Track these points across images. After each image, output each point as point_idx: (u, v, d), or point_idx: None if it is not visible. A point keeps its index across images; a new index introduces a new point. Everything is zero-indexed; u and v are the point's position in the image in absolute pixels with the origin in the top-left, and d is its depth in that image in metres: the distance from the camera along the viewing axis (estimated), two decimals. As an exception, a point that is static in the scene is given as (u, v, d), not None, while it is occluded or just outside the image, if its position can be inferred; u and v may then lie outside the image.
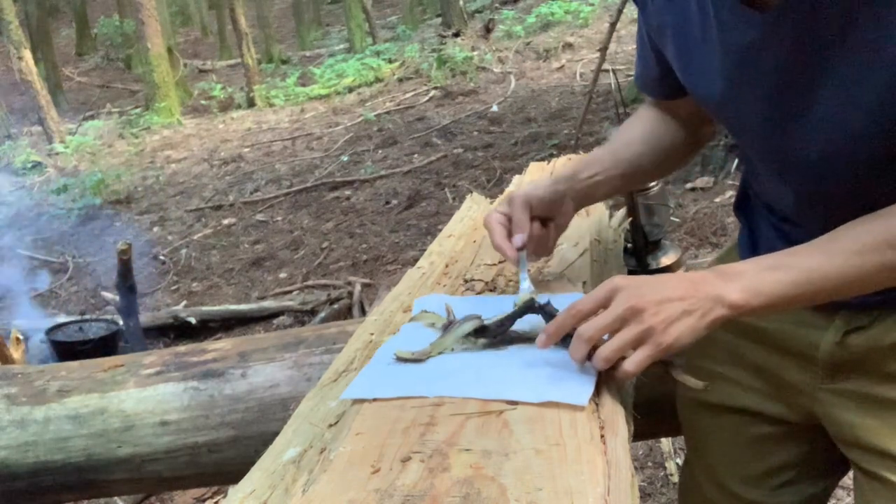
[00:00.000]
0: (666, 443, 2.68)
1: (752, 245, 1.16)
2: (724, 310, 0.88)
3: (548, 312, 1.03)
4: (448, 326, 1.07)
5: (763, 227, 1.14)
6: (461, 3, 13.09)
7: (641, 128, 1.25)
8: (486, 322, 1.05)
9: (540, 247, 1.21)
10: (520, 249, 1.15)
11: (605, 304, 0.90)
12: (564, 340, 0.99)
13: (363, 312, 4.52)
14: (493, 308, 1.18)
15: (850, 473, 1.14)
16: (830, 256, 0.88)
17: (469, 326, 1.05)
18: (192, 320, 4.77)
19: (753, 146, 1.04)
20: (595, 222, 1.59)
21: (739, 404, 1.18)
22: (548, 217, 1.20)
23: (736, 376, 1.19)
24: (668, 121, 1.25)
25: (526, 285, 1.13)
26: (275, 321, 4.75)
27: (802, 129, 0.93)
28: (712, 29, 0.96)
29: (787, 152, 0.97)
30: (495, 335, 1.05)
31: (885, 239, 0.86)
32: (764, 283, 0.88)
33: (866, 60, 0.84)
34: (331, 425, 0.95)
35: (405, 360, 1.02)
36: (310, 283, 5.24)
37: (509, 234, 1.16)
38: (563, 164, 1.99)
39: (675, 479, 2.50)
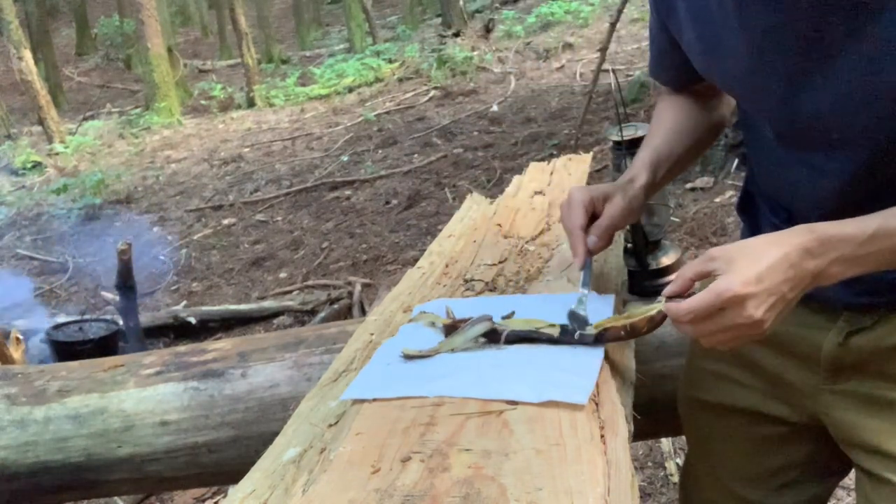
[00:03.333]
0: (666, 443, 2.68)
1: None
2: (820, 282, 0.90)
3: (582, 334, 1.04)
4: (453, 326, 1.07)
5: (765, 229, 1.14)
6: (461, 3, 13.08)
7: (672, 118, 1.26)
8: (496, 325, 1.06)
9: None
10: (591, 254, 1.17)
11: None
12: (577, 338, 1.02)
13: (363, 312, 4.52)
14: (494, 309, 1.18)
15: (852, 474, 1.14)
16: None
17: (480, 328, 1.06)
18: (192, 320, 4.77)
19: (773, 125, 1.03)
20: (595, 222, 1.59)
21: (741, 404, 1.18)
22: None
23: (738, 376, 1.18)
24: (691, 106, 1.26)
25: (584, 289, 1.14)
26: (275, 321, 4.74)
27: (823, 104, 0.93)
28: (730, 11, 0.96)
29: (808, 128, 0.97)
30: (508, 339, 1.05)
31: None
32: (858, 256, 0.89)
33: (887, 36, 0.85)
34: (331, 425, 0.95)
35: (413, 357, 1.03)
36: (310, 283, 5.24)
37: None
38: (564, 164, 1.99)
39: (675, 479, 2.50)
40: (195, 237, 6.52)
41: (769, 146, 1.08)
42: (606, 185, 1.19)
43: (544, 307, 1.18)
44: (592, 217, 1.16)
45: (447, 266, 1.45)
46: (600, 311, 1.14)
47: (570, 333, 1.04)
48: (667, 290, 0.95)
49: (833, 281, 0.90)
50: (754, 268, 0.85)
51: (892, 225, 0.87)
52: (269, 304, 4.95)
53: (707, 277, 0.92)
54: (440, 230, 1.73)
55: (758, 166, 1.16)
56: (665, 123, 1.25)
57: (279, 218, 6.58)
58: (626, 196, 1.16)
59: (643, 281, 1.68)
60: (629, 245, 1.66)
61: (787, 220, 1.08)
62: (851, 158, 0.94)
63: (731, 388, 1.19)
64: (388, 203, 6.36)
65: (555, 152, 5.96)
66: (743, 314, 0.86)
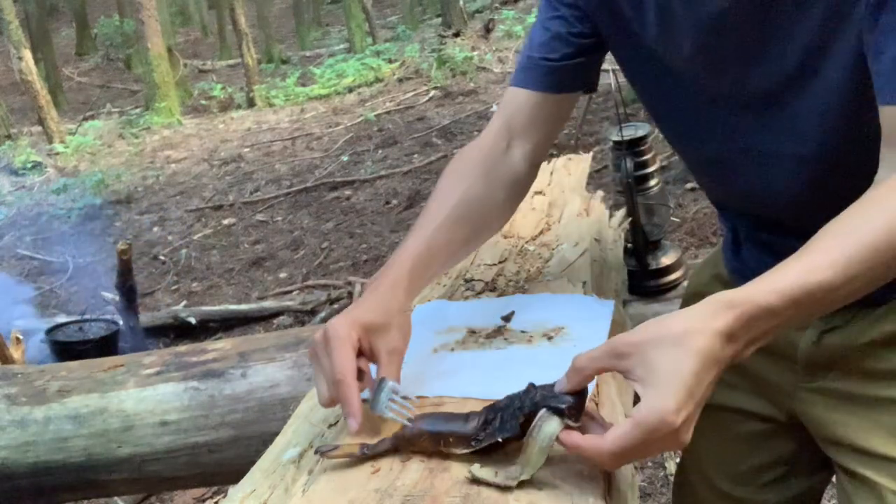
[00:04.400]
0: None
1: (735, 248, 1.16)
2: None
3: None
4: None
5: (742, 232, 1.14)
6: (461, 3, 13.08)
7: (459, 193, 1.08)
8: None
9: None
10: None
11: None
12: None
13: (363, 312, 4.51)
14: (494, 309, 1.18)
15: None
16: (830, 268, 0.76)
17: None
18: (192, 320, 4.76)
19: (725, 105, 1.01)
20: (595, 222, 1.59)
21: (725, 402, 1.18)
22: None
23: (724, 376, 1.19)
24: (489, 169, 1.12)
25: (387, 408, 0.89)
26: (275, 321, 4.74)
27: (773, 83, 0.92)
28: (675, 5, 0.95)
29: (761, 104, 0.96)
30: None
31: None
32: (779, 325, 0.77)
33: (832, 27, 0.84)
34: (331, 425, 0.95)
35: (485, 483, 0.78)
36: (310, 283, 5.24)
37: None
38: (564, 164, 1.99)
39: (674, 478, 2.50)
40: (195, 237, 6.52)
41: (713, 158, 1.08)
42: (365, 309, 0.94)
43: (544, 307, 1.18)
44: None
45: (447, 266, 1.45)
46: (599, 315, 1.14)
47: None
48: (560, 386, 0.78)
49: (744, 359, 0.78)
50: (681, 381, 0.71)
51: (812, 281, 0.74)
52: (269, 304, 4.95)
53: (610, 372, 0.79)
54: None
55: (709, 183, 1.15)
56: (447, 202, 1.07)
57: (279, 218, 6.58)
58: (398, 323, 0.95)
59: (643, 281, 1.69)
60: (629, 245, 1.66)
61: (756, 227, 1.09)
62: (803, 138, 0.94)
63: (718, 388, 1.19)
64: (388, 203, 6.36)
65: (554, 152, 5.96)
66: (676, 441, 0.73)
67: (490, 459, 0.79)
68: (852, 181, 0.85)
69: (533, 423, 0.77)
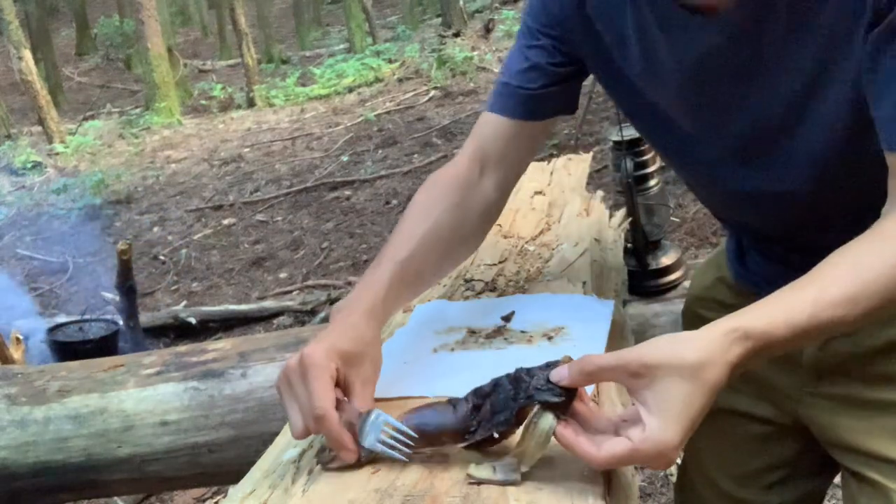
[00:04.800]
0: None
1: (739, 255, 1.16)
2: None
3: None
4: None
5: (746, 241, 1.14)
6: (461, 3, 13.08)
7: (429, 220, 1.06)
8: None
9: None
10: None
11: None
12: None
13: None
14: (494, 310, 1.18)
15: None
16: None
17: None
18: (192, 320, 4.76)
19: (713, 147, 1.01)
20: (595, 222, 1.59)
21: (730, 406, 1.18)
22: None
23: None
24: (461, 195, 1.10)
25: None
26: (275, 321, 4.74)
27: (764, 120, 0.92)
28: (659, 46, 0.94)
29: (750, 142, 0.95)
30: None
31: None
32: (782, 348, 0.77)
33: (822, 73, 0.83)
34: (331, 425, 0.95)
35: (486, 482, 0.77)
36: (310, 283, 5.24)
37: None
38: (564, 164, 1.99)
39: (675, 479, 2.49)
40: (195, 237, 6.51)
41: (703, 192, 1.08)
42: (340, 336, 0.90)
43: (544, 307, 1.18)
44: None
45: (447, 266, 1.45)
46: (599, 315, 1.14)
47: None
48: (557, 377, 0.76)
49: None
50: (688, 419, 0.71)
51: (824, 317, 0.74)
52: (269, 304, 4.95)
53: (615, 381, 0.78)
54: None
55: (704, 201, 1.15)
56: (419, 228, 1.05)
57: (279, 218, 6.58)
58: (371, 354, 0.92)
59: (643, 281, 1.69)
60: (629, 245, 1.66)
61: (756, 237, 1.10)
62: (795, 178, 0.94)
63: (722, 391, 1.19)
64: (388, 203, 6.36)
65: (555, 152, 5.95)
66: (664, 465, 0.74)
67: (484, 454, 0.79)
68: (850, 206, 0.86)
69: (529, 418, 0.76)
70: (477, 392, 0.80)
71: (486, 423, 0.78)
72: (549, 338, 1.07)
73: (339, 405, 0.84)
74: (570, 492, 0.75)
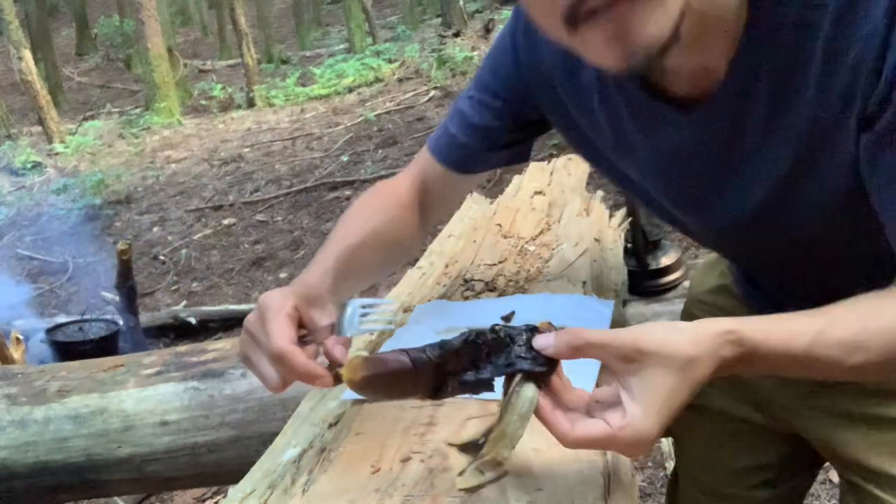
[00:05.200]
0: (666, 443, 2.68)
1: (744, 279, 1.15)
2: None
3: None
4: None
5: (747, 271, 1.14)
6: (461, 3, 13.08)
7: (378, 219, 1.08)
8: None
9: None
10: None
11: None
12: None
13: (363, 312, 4.51)
14: (494, 310, 1.18)
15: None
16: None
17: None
18: (192, 320, 4.76)
19: (689, 228, 1.01)
20: (595, 222, 1.59)
21: (725, 410, 1.18)
22: None
23: (723, 384, 1.19)
24: (409, 210, 1.11)
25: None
26: (275, 321, 4.74)
27: (739, 214, 0.89)
28: (630, 131, 0.92)
29: (727, 233, 0.95)
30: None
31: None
32: (772, 370, 0.76)
33: (802, 162, 0.80)
34: (331, 425, 0.95)
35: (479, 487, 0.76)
36: (310, 283, 5.24)
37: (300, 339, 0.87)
38: (564, 164, 1.99)
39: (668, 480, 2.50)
40: (195, 237, 6.52)
41: (691, 237, 1.07)
42: (298, 284, 0.92)
43: (544, 307, 1.18)
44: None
45: (447, 266, 1.45)
46: (599, 315, 1.14)
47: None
48: (541, 344, 0.72)
49: None
50: (669, 412, 0.70)
51: (820, 354, 0.72)
52: (269, 304, 4.94)
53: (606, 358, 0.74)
54: (440, 230, 1.73)
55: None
56: (368, 223, 1.05)
57: (279, 218, 6.58)
58: (329, 301, 0.91)
59: (643, 281, 1.69)
60: (629, 245, 1.66)
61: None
62: (777, 255, 0.94)
63: (714, 393, 1.19)
64: (388, 203, 6.36)
65: (555, 152, 5.96)
66: (636, 453, 0.72)
67: (465, 458, 0.79)
68: (842, 265, 0.86)
69: (511, 388, 0.72)
70: (443, 346, 0.73)
71: (462, 378, 0.73)
72: (549, 338, 1.07)
73: (306, 337, 0.82)
74: (570, 492, 0.75)
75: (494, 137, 1.07)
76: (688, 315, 1.31)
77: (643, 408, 0.69)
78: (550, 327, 0.73)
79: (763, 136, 0.81)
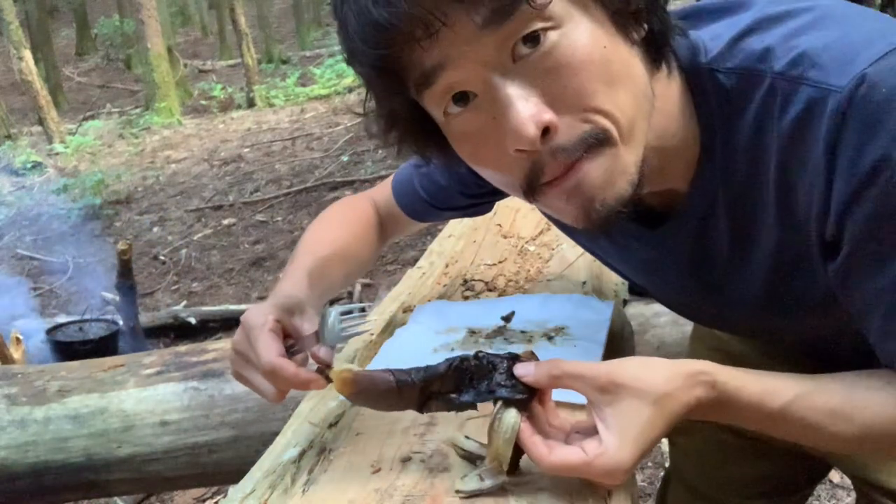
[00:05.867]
0: (666, 443, 2.68)
1: None
2: None
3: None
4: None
5: None
6: (461, 3, 13.08)
7: (350, 234, 1.12)
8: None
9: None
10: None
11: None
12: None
13: (363, 313, 4.51)
14: (494, 310, 1.18)
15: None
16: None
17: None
18: (192, 320, 4.76)
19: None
20: (595, 222, 1.59)
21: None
22: None
23: None
24: (377, 227, 1.17)
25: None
26: (275, 321, 4.74)
27: (721, 308, 0.90)
28: (602, 241, 0.94)
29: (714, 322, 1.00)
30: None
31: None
32: (741, 421, 0.76)
33: (774, 275, 0.80)
34: (331, 425, 0.95)
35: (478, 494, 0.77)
36: (310, 283, 5.23)
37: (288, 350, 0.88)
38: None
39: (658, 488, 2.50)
40: (195, 237, 6.52)
41: None
42: (276, 296, 0.92)
43: (544, 307, 1.18)
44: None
45: (447, 266, 1.45)
46: (599, 315, 1.14)
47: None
48: (522, 372, 0.75)
49: None
50: (646, 443, 0.71)
51: (798, 416, 0.73)
52: (269, 304, 4.95)
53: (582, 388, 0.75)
54: (440, 230, 1.73)
55: None
56: (337, 237, 1.09)
57: (279, 218, 6.58)
58: (309, 307, 0.92)
59: (643, 281, 1.68)
60: (629, 245, 1.66)
61: None
62: (770, 332, 0.94)
63: None
64: (388, 203, 6.36)
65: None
66: (611, 483, 0.74)
67: (465, 467, 0.80)
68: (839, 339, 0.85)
69: (493, 415, 0.74)
70: (428, 371, 0.77)
71: (445, 398, 0.77)
72: (550, 338, 1.07)
73: (293, 347, 0.86)
74: (570, 492, 0.75)
75: (456, 200, 1.11)
76: (691, 349, 1.31)
77: (618, 438, 0.71)
78: (532, 356, 0.77)
79: (730, 259, 0.81)
